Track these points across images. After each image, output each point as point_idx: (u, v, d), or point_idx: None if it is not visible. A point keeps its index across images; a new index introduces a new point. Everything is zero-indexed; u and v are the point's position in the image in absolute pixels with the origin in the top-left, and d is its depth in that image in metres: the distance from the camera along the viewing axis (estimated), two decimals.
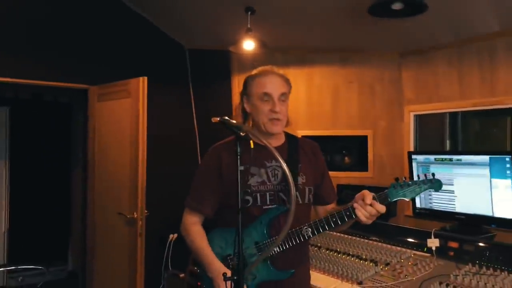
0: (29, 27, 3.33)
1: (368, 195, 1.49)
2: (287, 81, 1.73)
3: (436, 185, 1.53)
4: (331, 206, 1.85)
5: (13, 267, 3.67)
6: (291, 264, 1.66)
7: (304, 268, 1.82)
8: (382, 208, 1.49)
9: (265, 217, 1.64)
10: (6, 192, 4.81)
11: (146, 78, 3.15)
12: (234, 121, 1.43)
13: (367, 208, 1.48)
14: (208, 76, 3.99)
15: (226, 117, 1.44)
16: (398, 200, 1.55)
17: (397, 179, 1.57)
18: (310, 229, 1.60)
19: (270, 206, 1.65)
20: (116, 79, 3.42)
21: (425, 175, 1.57)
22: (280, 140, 1.77)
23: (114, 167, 3.40)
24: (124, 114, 3.28)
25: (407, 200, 1.57)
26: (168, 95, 3.93)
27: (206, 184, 1.74)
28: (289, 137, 1.83)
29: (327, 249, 2.62)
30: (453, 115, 3.75)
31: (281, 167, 1.63)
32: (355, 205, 1.51)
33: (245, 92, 1.74)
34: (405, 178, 1.57)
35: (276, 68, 1.74)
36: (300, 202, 1.69)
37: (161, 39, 3.93)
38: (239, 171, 1.32)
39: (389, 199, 1.52)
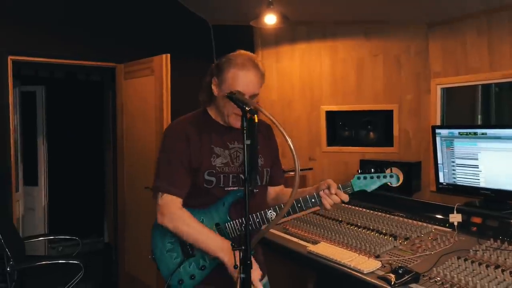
0: (61, 10, 3.43)
1: (333, 185, 1.59)
2: (262, 77, 1.67)
3: (394, 179, 1.70)
4: (280, 188, 1.91)
5: (51, 237, 3.88)
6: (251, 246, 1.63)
7: (259, 249, 1.86)
8: (346, 197, 1.60)
9: (228, 198, 1.63)
10: (45, 168, 5.06)
11: (169, 55, 3.19)
12: (243, 96, 1.44)
13: (332, 197, 1.58)
14: (232, 51, 3.98)
15: (235, 91, 1.46)
16: (361, 190, 1.67)
17: (361, 172, 1.70)
18: (274, 213, 1.61)
19: (232, 188, 1.64)
20: (142, 56, 3.49)
21: (385, 170, 1.74)
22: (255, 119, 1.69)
23: (141, 143, 3.50)
24: (148, 91, 3.36)
25: (369, 191, 1.69)
26: (193, 71, 3.95)
27: (179, 164, 1.64)
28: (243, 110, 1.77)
29: (348, 223, 2.63)
30: (486, 88, 3.61)
31: (243, 149, 1.53)
32: (321, 193, 1.60)
33: (218, 74, 1.66)
34: (368, 170, 1.70)
35: (256, 60, 1.67)
36: (259, 183, 1.73)
37: (185, 15, 3.95)
38: (245, 145, 1.33)
39: (353, 189, 1.62)
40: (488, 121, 3.73)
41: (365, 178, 1.63)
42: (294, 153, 1.27)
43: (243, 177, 1.57)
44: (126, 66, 3.63)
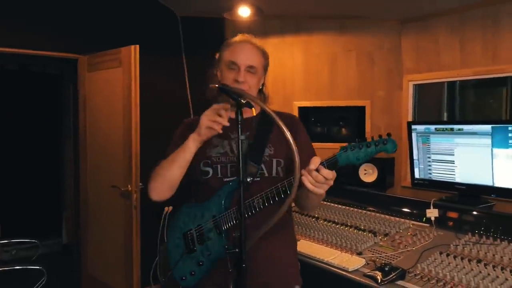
0: None
1: (315, 161, 1.34)
2: (262, 54, 1.65)
3: (389, 145, 1.36)
4: None
5: (5, 241, 3.62)
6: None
7: (266, 242, 1.59)
8: (328, 174, 1.32)
9: (223, 189, 1.56)
10: None
11: (137, 46, 3.03)
12: (236, 87, 1.36)
13: (312, 174, 1.33)
14: (202, 44, 3.86)
15: (226, 84, 1.37)
16: (349, 164, 1.40)
17: (348, 143, 1.43)
18: (261, 200, 1.48)
19: (231, 179, 1.57)
20: (106, 48, 3.30)
21: (379, 136, 1.41)
22: (251, 112, 1.56)
23: (107, 139, 3.33)
24: (115, 84, 3.18)
25: (359, 164, 1.45)
26: (160, 64, 3.81)
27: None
28: (264, 113, 1.67)
29: (325, 220, 2.60)
30: (451, 85, 3.70)
31: (246, 139, 1.58)
32: (302, 171, 1.35)
33: (218, 62, 1.68)
34: (357, 139, 1.41)
35: (255, 39, 1.67)
36: (266, 175, 1.59)
37: (152, 6, 3.79)
38: (239, 140, 1.25)
39: (339, 163, 1.36)
40: (453, 117, 3.84)
41: (352, 148, 1.35)
42: (293, 145, 1.20)
43: (245, 168, 1.52)
44: (90, 57, 3.42)
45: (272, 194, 1.48)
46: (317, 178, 1.33)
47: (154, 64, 3.68)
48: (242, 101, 1.28)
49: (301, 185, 1.33)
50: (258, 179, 1.56)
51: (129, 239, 3.13)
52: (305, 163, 1.61)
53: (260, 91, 1.71)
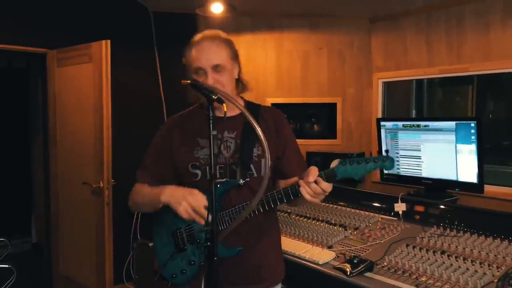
0: None
1: (313, 172, 1.36)
2: (225, 45, 1.58)
3: (388, 163, 1.37)
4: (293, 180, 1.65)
5: None
6: (240, 242, 1.55)
7: (261, 245, 1.65)
8: (327, 187, 1.35)
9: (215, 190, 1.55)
10: None
11: (109, 41, 3.00)
12: (206, 84, 1.36)
13: (311, 186, 1.35)
14: (174, 40, 3.83)
15: (198, 79, 1.38)
16: (347, 177, 1.41)
17: (348, 157, 1.47)
18: (258, 205, 1.48)
19: (220, 180, 1.55)
20: (76, 43, 3.24)
21: (379, 152, 1.46)
22: (236, 109, 1.60)
23: (77, 135, 3.28)
24: (86, 79, 3.13)
25: (357, 179, 1.44)
26: (132, 60, 3.77)
27: (156, 155, 1.68)
28: (250, 106, 1.68)
29: (297, 215, 2.64)
30: (419, 83, 3.82)
31: (233, 138, 1.58)
32: (300, 182, 1.38)
33: (186, 64, 1.62)
34: (355, 156, 1.48)
35: (214, 32, 1.60)
36: (255, 175, 1.58)
37: (124, 1, 3.74)
38: (211, 136, 1.26)
39: (337, 177, 1.38)
40: (421, 114, 3.96)
41: (351, 163, 1.37)
42: (264, 141, 1.22)
43: (234, 168, 1.54)
44: (59, 52, 3.35)
45: (268, 200, 1.47)
46: (316, 190, 1.36)
47: (126, 59, 3.64)
48: (213, 97, 1.29)
49: (299, 194, 1.38)
50: (248, 179, 1.55)
51: (102, 236, 3.10)
52: (288, 158, 1.67)
53: (238, 81, 1.67)
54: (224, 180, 1.54)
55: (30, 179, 5.10)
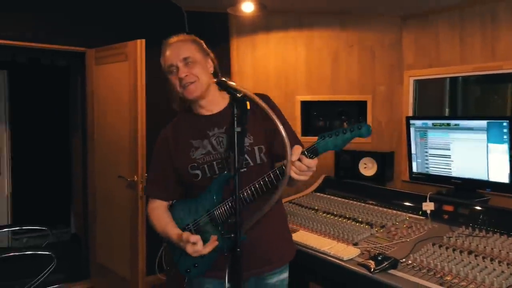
0: None
1: (296, 151, 1.41)
2: (191, 42, 1.69)
3: (363, 130, 1.41)
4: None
5: (17, 228, 3.73)
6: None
7: (265, 230, 1.71)
8: (310, 162, 1.40)
9: (212, 186, 1.63)
10: (8, 155, 4.85)
11: (144, 40, 3.11)
12: (233, 83, 1.42)
13: (295, 164, 1.40)
14: (206, 39, 3.91)
15: (224, 78, 1.44)
16: (328, 150, 1.45)
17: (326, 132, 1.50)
18: (249, 191, 1.55)
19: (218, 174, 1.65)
20: (113, 41, 3.38)
21: (353, 122, 1.49)
22: (221, 104, 1.72)
23: (114, 130, 3.41)
24: (122, 77, 3.26)
25: (338, 150, 1.51)
26: None
27: (159, 169, 1.78)
28: (236, 98, 1.73)
29: (324, 212, 2.67)
30: (453, 81, 3.73)
31: (224, 133, 1.65)
32: (284, 162, 1.44)
33: (162, 70, 1.72)
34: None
35: (177, 36, 1.72)
36: (251, 164, 1.66)
37: (159, 0, 3.85)
38: (235, 132, 1.32)
39: (319, 151, 1.43)
40: (455, 112, 3.87)
41: (329, 136, 1.41)
42: (286, 141, 1.27)
43: (228, 161, 1.60)
44: (97, 51, 3.50)
45: (259, 185, 1.53)
46: (300, 168, 1.41)
47: (160, 58, 3.74)
48: (237, 95, 1.35)
49: (286, 173, 1.41)
50: (245, 169, 1.62)
51: (135, 228, 3.23)
52: (280, 139, 1.65)
53: (216, 74, 1.73)
54: (220, 174, 1.63)
55: (70, 173, 5.33)
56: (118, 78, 3.31)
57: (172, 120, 1.82)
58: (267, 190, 1.53)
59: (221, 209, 1.61)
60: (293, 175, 1.42)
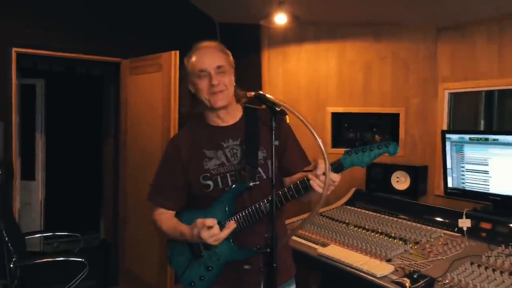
0: (66, 2, 3.38)
1: (321, 165, 1.42)
2: (223, 52, 1.68)
3: (391, 148, 1.44)
4: (298, 175, 1.71)
5: (50, 234, 3.83)
6: (254, 242, 1.55)
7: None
8: (336, 177, 1.42)
9: (226, 196, 1.60)
10: (43, 163, 4.99)
11: (177, 52, 3.16)
12: (270, 96, 1.42)
13: (321, 178, 1.41)
14: (238, 50, 3.94)
15: (261, 92, 1.44)
16: (354, 166, 1.48)
17: (352, 148, 1.51)
18: (268, 204, 1.52)
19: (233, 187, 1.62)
20: (146, 52, 3.45)
21: (380, 139, 1.50)
22: (237, 116, 1.72)
23: (146, 139, 3.47)
24: (155, 87, 3.32)
25: (363, 167, 1.49)
26: None
27: (167, 176, 1.73)
28: (247, 110, 1.75)
29: (355, 226, 2.63)
30: (489, 94, 3.63)
31: (239, 145, 1.63)
32: (310, 175, 1.45)
33: (186, 73, 1.70)
34: (358, 144, 1.49)
35: (209, 41, 1.70)
36: (265, 177, 1.63)
37: (191, 12, 3.92)
38: (273, 146, 1.32)
39: (344, 167, 1.45)
40: (490, 126, 3.75)
41: (356, 152, 1.43)
42: (325, 153, 1.26)
43: (242, 174, 1.60)
44: (132, 61, 3.59)
45: (279, 198, 1.52)
46: (325, 182, 1.40)
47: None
48: (276, 108, 1.35)
49: (309, 187, 1.42)
50: (258, 182, 1.60)
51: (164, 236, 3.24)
52: (289, 153, 1.72)
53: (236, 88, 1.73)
54: (234, 186, 1.61)
55: (101, 179, 5.44)
56: (151, 88, 3.37)
57: (183, 128, 1.81)
58: (286, 202, 1.53)
59: (233, 220, 1.58)
60: (318, 189, 1.42)
